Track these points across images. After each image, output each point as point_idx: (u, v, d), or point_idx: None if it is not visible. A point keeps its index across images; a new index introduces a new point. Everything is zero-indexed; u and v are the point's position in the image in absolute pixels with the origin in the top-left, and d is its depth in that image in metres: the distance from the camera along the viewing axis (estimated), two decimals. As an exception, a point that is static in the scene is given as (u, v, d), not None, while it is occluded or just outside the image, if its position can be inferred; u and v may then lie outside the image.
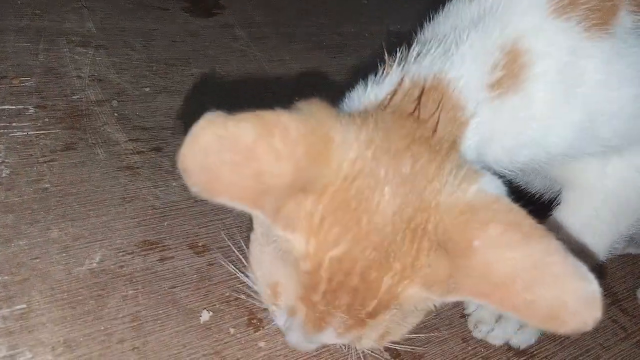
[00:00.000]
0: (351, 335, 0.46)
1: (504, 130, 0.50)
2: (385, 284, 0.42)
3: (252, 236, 0.51)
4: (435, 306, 0.46)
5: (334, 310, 0.44)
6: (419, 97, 0.47)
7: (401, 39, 0.54)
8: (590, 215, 0.58)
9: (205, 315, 0.59)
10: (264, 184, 0.39)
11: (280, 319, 0.50)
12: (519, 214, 0.40)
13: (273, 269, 0.47)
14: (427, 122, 0.46)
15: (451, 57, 0.49)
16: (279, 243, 0.44)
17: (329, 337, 0.47)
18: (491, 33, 0.49)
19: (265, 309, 0.57)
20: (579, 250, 0.58)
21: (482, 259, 0.39)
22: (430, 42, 0.51)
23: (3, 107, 0.77)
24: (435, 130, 0.46)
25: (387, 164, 0.42)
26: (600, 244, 0.59)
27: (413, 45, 0.52)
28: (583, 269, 0.37)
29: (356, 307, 0.43)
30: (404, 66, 0.50)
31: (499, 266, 0.38)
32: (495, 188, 0.43)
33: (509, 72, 0.49)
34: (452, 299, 0.43)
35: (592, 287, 0.36)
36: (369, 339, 0.48)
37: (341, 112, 0.46)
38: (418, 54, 0.51)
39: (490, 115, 0.49)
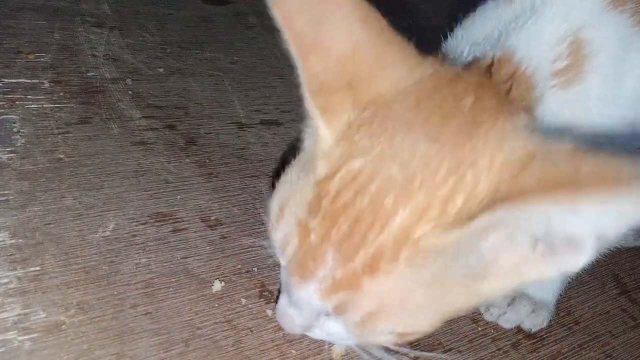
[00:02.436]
0: (337, 299, 0.38)
1: (562, 122, 0.47)
2: (400, 217, 0.35)
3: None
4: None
5: (327, 245, 0.37)
6: (490, 66, 0.46)
7: (426, 33, 0.54)
8: None
9: (217, 285, 0.59)
10: (319, 38, 0.36)
11: (281, 260, 0.43)
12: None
13: (293, 185, 0.41)
14: (500, 85, 0.44)
15: (512, 40, 0.47)
16: (309, 135, 0.41)
17: (310, 295, 0.39)
18: (551, 21, 0.47)
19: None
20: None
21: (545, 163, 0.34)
22: (478, 35, 0.50)
23: (19, 80, 0.78)
24: (508, 92, 0.44)
25: (445, 94, 0.39)
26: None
27: (456, 38, 0.52)
28: None
29: (353, 243, 0.36)
30: (460, 55, 0.49)
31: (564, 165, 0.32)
32: None
33: (573, 62, 0.47)
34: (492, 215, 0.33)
35: None
36: (356, 312, 0.38)
37: None
38: (472, 44, 0.50)
39: (552, 105, 0.46)
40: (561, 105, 0.47)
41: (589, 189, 0.30)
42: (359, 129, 0.38)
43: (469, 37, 0.52)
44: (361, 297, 0.37)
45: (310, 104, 0.39)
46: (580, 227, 0.33)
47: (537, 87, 0.46)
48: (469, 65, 0.47)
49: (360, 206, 0.36)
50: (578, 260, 0.35)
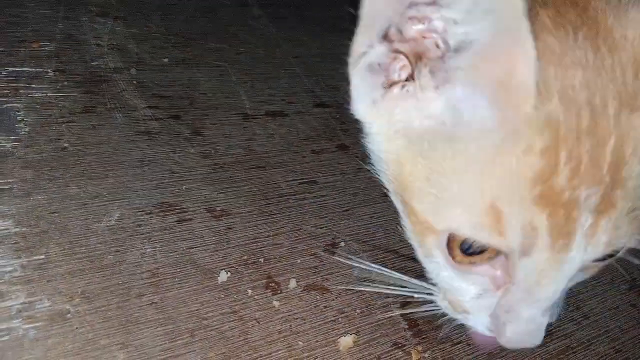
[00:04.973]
0: (603, 224, 0.34)
1: None
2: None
3: None
4: None
5: (581, 188, 0.31)
6: None
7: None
8: None
9: (223, 276, 0.58)
10: None
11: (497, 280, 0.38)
12: None
13: (484, 178, 0.33)
14: None
15: None
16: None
17: (579, 252, 0.34)
18: None
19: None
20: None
21: None
22: None
23: (23, 68, 0.77)
24: None
25: None
26: None
27: None
28: None
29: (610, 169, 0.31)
30: None
31: None
32: None
33: None
34: None
35: None
36: (624, 223, 0.35)
37: None
38: None
39: None
40: None
41: None
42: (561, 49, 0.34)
43: None
44: (620, 207, 0.34)
45: None
46: None
47: None
48: None
49: (605, 126, 0.32)
50: None
